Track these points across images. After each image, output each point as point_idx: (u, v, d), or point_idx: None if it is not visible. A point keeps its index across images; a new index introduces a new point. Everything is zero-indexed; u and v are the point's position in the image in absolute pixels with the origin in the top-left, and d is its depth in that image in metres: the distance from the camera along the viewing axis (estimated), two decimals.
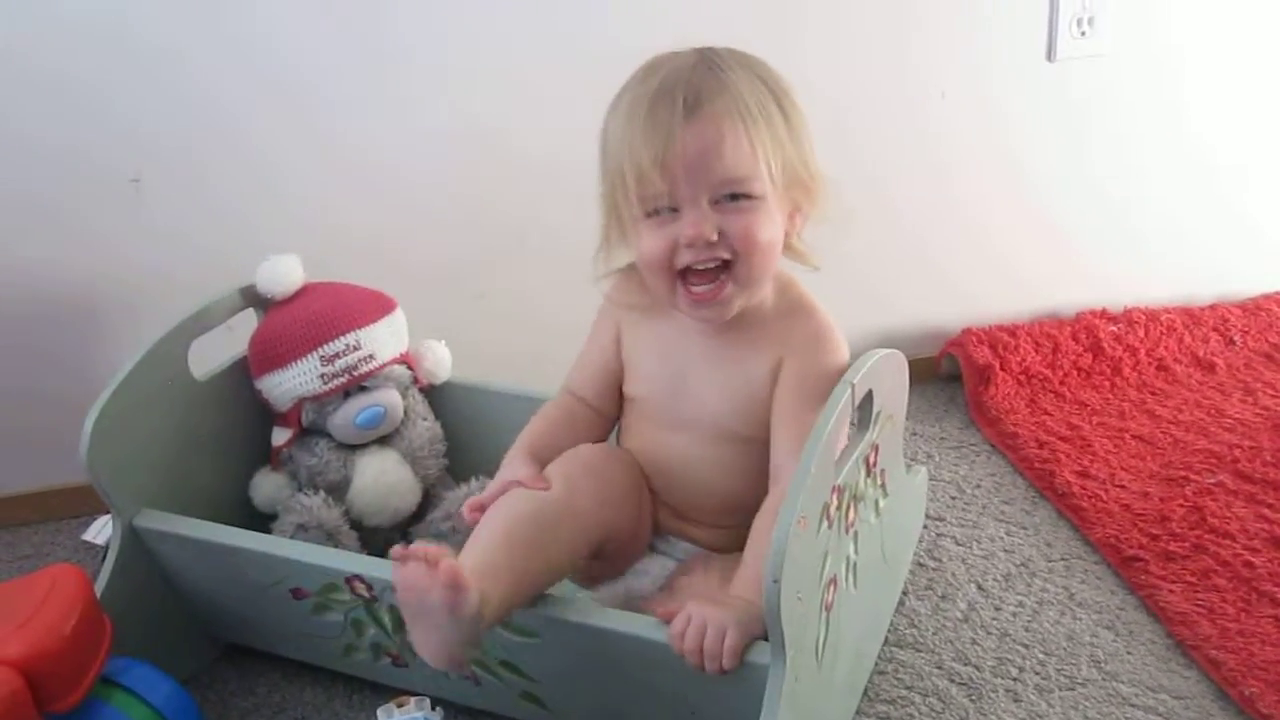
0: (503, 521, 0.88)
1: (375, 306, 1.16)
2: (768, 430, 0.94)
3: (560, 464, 0.95)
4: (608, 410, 1.04)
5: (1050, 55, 1.51)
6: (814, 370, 0.93)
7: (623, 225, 0.93)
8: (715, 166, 0.86)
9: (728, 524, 0.98)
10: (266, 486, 1.15)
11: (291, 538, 1.07)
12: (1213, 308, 1.66)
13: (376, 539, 1.15)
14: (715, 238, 0.87)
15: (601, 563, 0.97)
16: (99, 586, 0.99)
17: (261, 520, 1.13)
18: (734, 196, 0.88)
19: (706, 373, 0.97)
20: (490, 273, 1.42)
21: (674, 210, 0.88)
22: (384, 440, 1.17)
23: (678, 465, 0.99)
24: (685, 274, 0.90)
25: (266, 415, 1.16)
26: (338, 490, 1.14)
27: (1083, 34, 1.50)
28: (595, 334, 1.05)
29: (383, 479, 1.13)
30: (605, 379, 1.03)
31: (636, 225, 0.91)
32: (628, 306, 1.01)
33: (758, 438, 0.95)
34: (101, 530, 1.28)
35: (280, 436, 1.15)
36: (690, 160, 0.86)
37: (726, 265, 0.89)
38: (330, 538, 1.10)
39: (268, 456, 1.17)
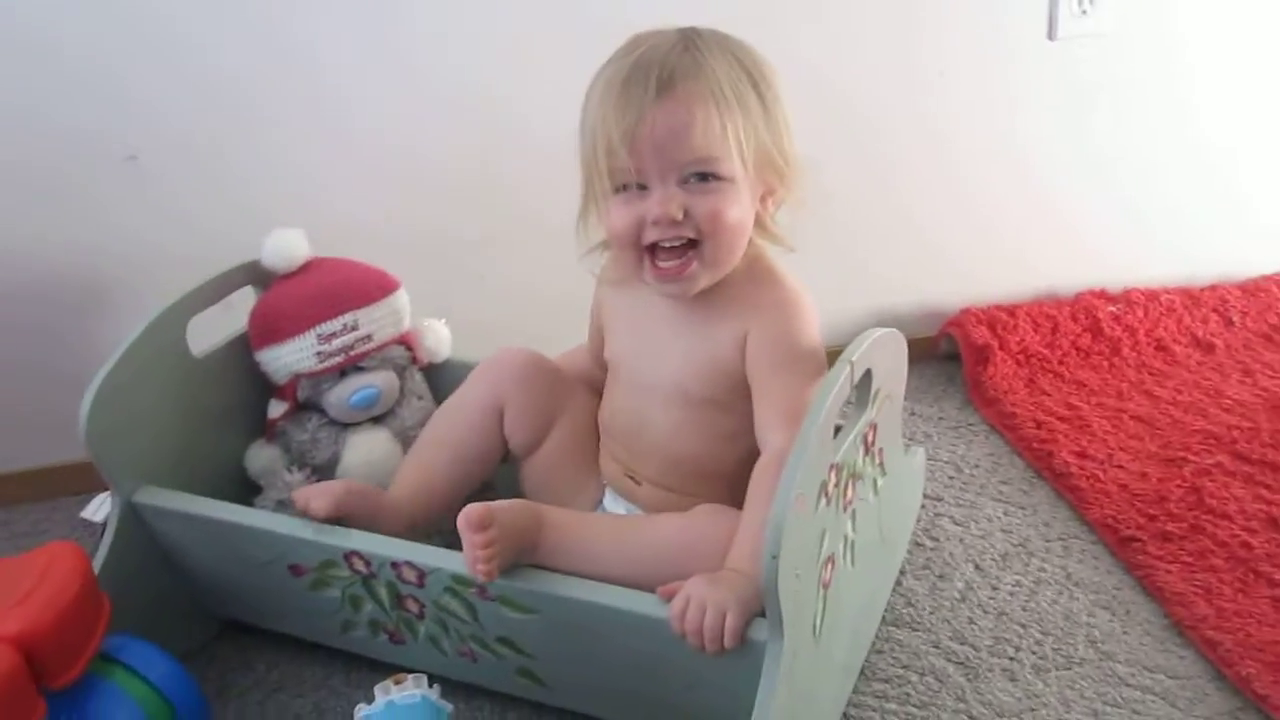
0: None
1: (377, 286, 1.15)
2: (727, 394, 0.96)
3: (482, 369, 1.08)
4: (600, 367, 1.08)
5: (1051, 34, 1.50)
6: (783, 336, 0.94)
7: (595, 198, 0.94)
8: (684, 146, 0.87)
9: (676, 487, 1.00)
10: (261, 459, 1.15)
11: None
12: (1212, 288, 1.66)
13: None
14: (681, 217, 0.88)
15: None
16: (97, 563, 0.99)
17: (260, 495, 1.13)
18: (703, 176, 0.88)
19: (672, 339, 0.98)
20: (492, 251, 1.42)
21: (642, 187, 0.89)
22: (378, 419, 1.16)
23: (635, 425, 1.01)
24: (653, 250, 0.91)
25: (266, 391, 1.16)
26: (327, 467, 1.14)
27: (1084, 12, 1.49)
28: (594, 297, 1.09)
29: (371, 458, 1.13)
30: (598, 339, 1.08)
31: (606, 199, 0.92)
32: (612, 283, 1.03)
33: (717, 400, 0.97)
34: (100, 508, 1.28)
35: (276, 409, 1.15)
36: (659, 139, 0.87)
37: (693, 244, 0.90)
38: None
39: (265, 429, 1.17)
